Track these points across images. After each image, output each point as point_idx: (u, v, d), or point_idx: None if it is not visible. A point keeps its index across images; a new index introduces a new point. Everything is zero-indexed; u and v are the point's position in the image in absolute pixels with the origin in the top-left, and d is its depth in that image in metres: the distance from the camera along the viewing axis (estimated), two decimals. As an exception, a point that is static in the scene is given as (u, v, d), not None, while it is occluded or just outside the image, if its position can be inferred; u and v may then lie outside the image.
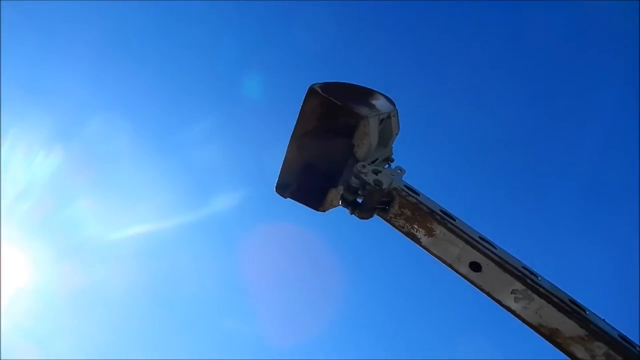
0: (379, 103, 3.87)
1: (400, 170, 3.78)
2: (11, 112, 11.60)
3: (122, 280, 13.41)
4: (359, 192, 3.73)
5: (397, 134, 4.21)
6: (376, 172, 3.67)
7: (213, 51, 13.46)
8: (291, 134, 3.76)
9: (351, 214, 3.78)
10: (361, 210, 3.73)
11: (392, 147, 4.25)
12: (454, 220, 3.60)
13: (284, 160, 3.88)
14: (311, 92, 3.60)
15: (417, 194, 3.68)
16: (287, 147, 3.82)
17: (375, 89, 3.96)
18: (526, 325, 3.58)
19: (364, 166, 3.66)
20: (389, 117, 3.95)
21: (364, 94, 3.85)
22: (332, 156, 3.87)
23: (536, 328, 3.56)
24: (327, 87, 3.64)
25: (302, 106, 3.67)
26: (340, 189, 3.89)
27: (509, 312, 3.59)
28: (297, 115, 3.70)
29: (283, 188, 3.97)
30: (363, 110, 3.67)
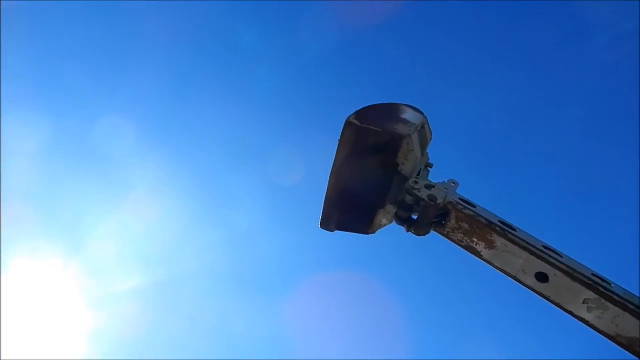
0: (409, 115, 3.79)
1: (454, 183, 3.71)
2: (12, 114, 11.77)
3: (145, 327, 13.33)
4: (413, 208, 3.67)
5: (430, 140, 4.12)
6: (429, 187, 3.62)
7: (218, 53, 13.51)
8: (331, 169, 3.73)
9: (407, 231, 3.73)
10: (417, 227, 3.67)
11: (427, 153, 4.17)
12: (515, 230, 3.50)
13: (326, 196, 3.84)
14: (348, 125, 3.59)
15: (473, 205, 3.61)
16: (328, 182, 3.78)
17: (399, 102, 3.89)
18: (602, 336, 3.41)
19: (416, 182, 3.62)
20: (422, 126, 3.86)
21: (393, 110, 3.78)
22: (374, 179, 3.81)
23: (613, 338, 3.39)
24: (360, 115, 3.63)
25: (340, 140, 3.64)
26: (389, 208, 3.83)
27: (582, 323, 3.44)
28: (336, 150, 3.68)
29: (327, 222, 3.91)
30: (402, 129, 3.63)
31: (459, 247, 3.62)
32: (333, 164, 3.70)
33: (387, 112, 3.74)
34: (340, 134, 3.61)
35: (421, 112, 3.81)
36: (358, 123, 3.56)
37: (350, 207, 3.87)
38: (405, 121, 3.69)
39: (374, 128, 3.58)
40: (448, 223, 3.59)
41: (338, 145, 3.63)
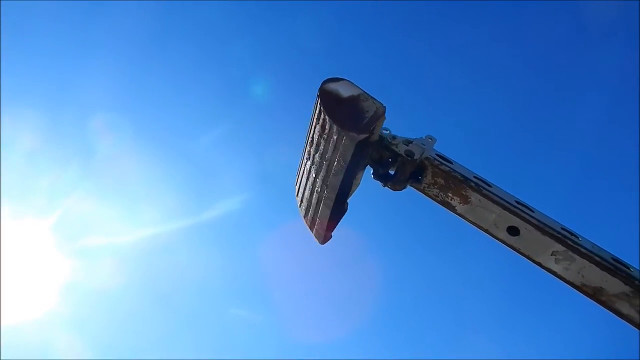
0: (347, 89, 3.52)
1: (431, 139, 3.72)
2: (12, 114, 11.63)
3: (127, 282, 13.54)
4: (391, 164, 3.70)
5: None
6: (407, 143, 3.63)
7: (220, 55, 13.26)
8: (336, 193, 3.58)
9: (384, 186, 3.76)
10: (394, 182, 3.71)
11: None
12: (490, 186, 3.56)
13: (330, 217, 3.72)
14: (360, 140, 3.31)
15: (450, 162, 3.64)
16: (332, 203, 3.64)
17: (329, 78, 3.57)
18: (568, 286, 3.57)
19: (394, 137, 3.62)
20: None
21: (337, 95, 3.49)
22: (354, 167, 3.62)
23: (579, 288, 3.55)
24: (354, 125, 3.33)
25: (352, 161, 3.41)
26: (359, 175, 3.76)
27: (550, 274, 3.58)
28: (344, 172, 3.46)
29: (327, 236, 3.87)
30: (374, 106, 3.43)
31: (435, 202, 3.69)
32: (341, 185, 3.54)
33: (339, 101, 3.47)
34: (352, 155, 3.36)
35: (345, 79, 3.58)
36: (368, 134, 3.35)
37: (337, 206, 3.76)
38: (358, 97, 3.47)
39: (375, 124, 3.39)
40: (424, 179, 3.63)
41: (348, 168, 3.43)
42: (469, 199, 3.57)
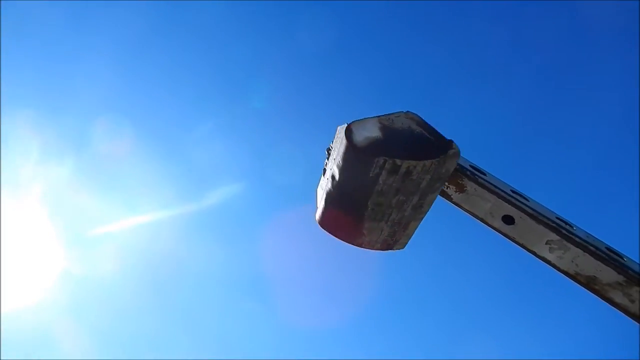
0: (366, 128, 3.42)
1: (428, 129, 3.72)
2: (12, 112, 11.68)
3: (125, 269, 13.63)
4: None
5: None
6: (403, 132, 3.64)
7: (216, 53, 13.27)
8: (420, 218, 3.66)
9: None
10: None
11: None
12: (485, 175, 3.57)
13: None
14: (453, 161, 3.35)
15: None
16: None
17: (346, 132, 3.39)
18: (562, 275, 3.60)
19: None
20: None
21: (371, 139, 3.38)
22: None
23: (572, 277, 3.58)
24: (418, 149, 3.32)
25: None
26: None
27: (544, 263, 3.60)
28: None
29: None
30: (402, 119, 3.44)
31: (431, 191, 3.69)
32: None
33: (382, 140, 3.39)
34: None
35: (349, 123, 3.45)
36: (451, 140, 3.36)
37: None
38: (381, 124, 3.44)
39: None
40: (421, 167, 3.63)
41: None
42: (465, 188, 3.58)
